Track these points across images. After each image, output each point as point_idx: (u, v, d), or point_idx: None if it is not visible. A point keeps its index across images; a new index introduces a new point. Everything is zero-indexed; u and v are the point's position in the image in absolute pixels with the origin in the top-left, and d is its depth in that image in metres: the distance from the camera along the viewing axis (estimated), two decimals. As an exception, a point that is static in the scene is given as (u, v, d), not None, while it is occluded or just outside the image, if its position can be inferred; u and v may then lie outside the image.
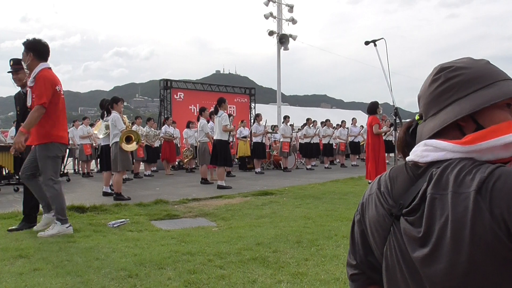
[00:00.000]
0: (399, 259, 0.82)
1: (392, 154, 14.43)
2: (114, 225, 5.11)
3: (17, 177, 9.14)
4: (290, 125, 14.34)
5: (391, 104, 6.62)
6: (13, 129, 10.46)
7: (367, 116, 9.46)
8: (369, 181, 9.05)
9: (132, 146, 7.52)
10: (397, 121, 6.84)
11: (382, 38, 5.74)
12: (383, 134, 9.63)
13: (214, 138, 9.15)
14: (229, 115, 9.09)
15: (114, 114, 7.48)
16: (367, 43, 5.81)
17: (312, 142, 14.49)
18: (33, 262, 3.52)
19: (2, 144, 8.91)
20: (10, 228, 4.77)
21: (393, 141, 10.72)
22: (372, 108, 9.19)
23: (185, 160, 13.15)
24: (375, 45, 5.72)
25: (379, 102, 9.41)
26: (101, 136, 8.21)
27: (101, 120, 8.66)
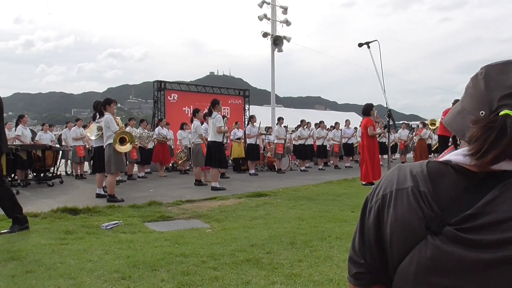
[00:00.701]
0: (430, 268, 0.77)
1: (385, 156, 14.47)
2: (107, 227, 5.09)
3: (9, 179, 9.09)
4: (284, 126, 14.36)
5: (385, 106, 6.67)
6: None
7: (362, 117, 9.51)
8: (363, 182, 9.08)
9: (126, 148, 7.49)
10: (390, 123, 6.89)
11: (376, 40, 5.78)
12: (378, 136, 9.67)
13: (208, 139, 9.13)
14: (223, 117, 9.09)
15: (107, 115, 7.44)
16: (360, 45, 5.85)
17: (306, 143, 14.52)
18: (25, 265, 3.49)
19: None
20: (1, 231, 4.73)
21: (386, 143, 10.75)
22: (366, 110, 9.23)
23: (180, 162, 13.12)
24: (368, 47, 5.76)
25: (373, 104, 9.46)
26: (93, 138, 8.17)
27: (93, 121, 8.63)
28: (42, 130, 12.35)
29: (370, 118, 9.09)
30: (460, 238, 0.75)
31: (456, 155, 0.84)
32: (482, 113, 0.82)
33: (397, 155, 18.44)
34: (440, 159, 0.88)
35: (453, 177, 0.82)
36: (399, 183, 0.85)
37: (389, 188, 0.86)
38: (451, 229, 0.76)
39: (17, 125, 10.87)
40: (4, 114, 4.94)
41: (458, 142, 0.90)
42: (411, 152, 18.64)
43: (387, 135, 7.26)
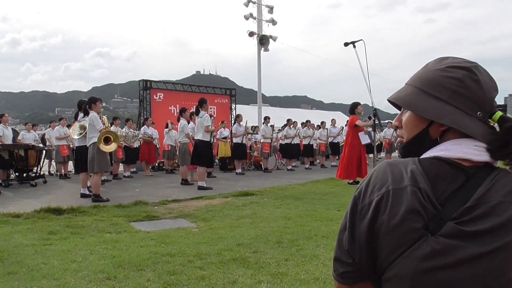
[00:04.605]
0: (430, 264, 0.77)
1: (371, 155, 14.59)
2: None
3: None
4: (271, 125, 14.36)
5: (370, 105, 6.71)
6: None
7: (349, 116, 9.56)
8: (349, 181, 9.13)
9: (111, 147, 7.40)
10: (376, 122, 6.93)
11: (361, 40, 5.80)
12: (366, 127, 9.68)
13: (195, 138, 9.09)
14: (210, 116, 9.06)
15: (92, 114, 7.33)
16: (346, 44, 5.86)
17: (292, 142, 14.56)
18: (7, 266, 3.43)
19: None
20: None
21: (372, 142, 10.81)
22: (352, 108, 9.30)
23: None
24: (354, 46, 5.77)
25: (359, 102, 9.50)
26: (75, 137, 8.05)
27: (76, 121, 8.51)
28: (25, 129, 12.15)
29: (353, 116, 9.15)
30: (460, 231, 0.77)
31: (442, 151, 0.87)
32: (479, 114, 0.87)
33: (382, 154, 18.62)
34: (427, 155, 0.89)
35: (448, 172, 0.83)
36: (395, 182, 0.83)
37: (384, 188, 0.84)
38: (452, 224, 0.78)
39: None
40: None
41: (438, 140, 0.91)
42: (396, 151, 18.82)
43: (372, 134, 7.31)
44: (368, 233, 0.84)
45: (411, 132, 0.95)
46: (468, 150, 0.85)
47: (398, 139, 1.02)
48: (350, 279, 0.90)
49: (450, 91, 0.88)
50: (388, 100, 1.01)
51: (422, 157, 0.89)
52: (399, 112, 1.02)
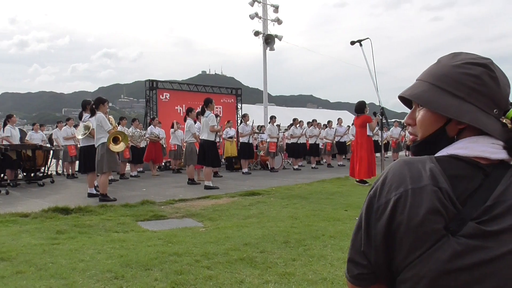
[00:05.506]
0: (450, 265, 0.76)
1: (378, 154, 14.53)
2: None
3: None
4: (277, 125, 14.35)
5: (377, 104, 6.67)
6: None
7: (355, 115, 9.48)
8: (357, 180, 9.09)
9: (120, 147, 7.41)
10: (383, 121, 6.89)
11: (368, 38, 5.77)
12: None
13: (201, 138, 9.11)
14: (216, 116, 9.07)
15: (99, 114, 7.34)
16: (352, 43, 5.84)
17: (298, 142, 14.53)
18: (15, 265, 3.45)
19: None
20: None
21: (379, 141, 10.76)
22: (360, 108, 9.23)
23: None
24: (360, 45, 5.74)
25: (366, 102, 9.46)
26: (79, 137, 8.07)
27: (80, 120, 8.55)
28: (32, 129, 12.23)
29: (367, 115, 9.09)
30: (482, 232, 0.76)
31: (460, 149, 0.85)
32: (495, 111, 0.86)
33: (389, 153, 18.53)
34: (444, 153, 0.87)
35: (467, 171, 0.82)
36: (414, 181, 0.81)
37: (403, 187, 0.81)
38: (473, 224, 0.76)
39: (5, 125, 10.72)
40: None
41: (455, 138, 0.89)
42: (404, 150, 18.75)
43: (380, 133, 7.27)
44: (385, 233, 0.82)
45: (427, 130, 0.92)
46: (486, 148, 0.84)
47: (411, 137, 1.00)
48: (365, 281, 0.88)
49: (468, 88, 0.86)
50: (400, 97, 0.99)
51: (437, 155, 0.87)
52: (408, 110, 1.00)
